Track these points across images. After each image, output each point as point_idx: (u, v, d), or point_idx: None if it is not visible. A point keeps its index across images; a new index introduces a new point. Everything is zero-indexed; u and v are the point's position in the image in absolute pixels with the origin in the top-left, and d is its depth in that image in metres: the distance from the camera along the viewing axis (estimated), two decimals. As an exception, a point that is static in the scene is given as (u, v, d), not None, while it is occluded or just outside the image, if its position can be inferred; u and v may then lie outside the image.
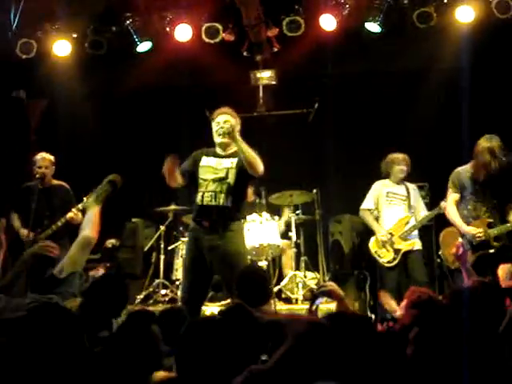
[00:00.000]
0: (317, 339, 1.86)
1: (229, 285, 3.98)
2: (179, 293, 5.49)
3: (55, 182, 5.30)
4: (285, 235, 6.31)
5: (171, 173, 4.14)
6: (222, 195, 4.08)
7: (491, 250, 4.51)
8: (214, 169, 4.18)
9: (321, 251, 6.30)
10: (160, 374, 2.07)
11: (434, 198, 5.75)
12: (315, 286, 5.91)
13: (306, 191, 6.39)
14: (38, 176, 5.11)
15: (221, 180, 4.12)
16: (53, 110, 7.27)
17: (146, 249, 6.60)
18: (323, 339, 1.86)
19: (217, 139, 4.25)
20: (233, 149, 4.23)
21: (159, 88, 7.29)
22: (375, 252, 5.47)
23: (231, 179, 4.12)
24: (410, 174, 5.70)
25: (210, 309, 5.50)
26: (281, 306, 5.74)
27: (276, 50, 6.47)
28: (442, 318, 2.09)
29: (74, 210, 4.95)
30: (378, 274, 5.57)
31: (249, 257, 5.16)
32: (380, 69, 7.00)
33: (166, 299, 6.11)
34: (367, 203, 5.64)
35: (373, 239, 5.51)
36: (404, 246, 5.39)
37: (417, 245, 5.46)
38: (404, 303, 2.78)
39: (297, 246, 6.34)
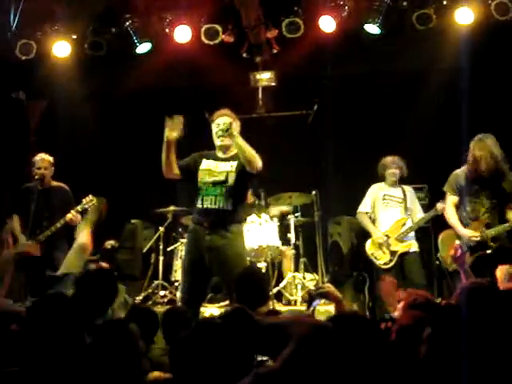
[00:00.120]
0: (321, 341, 1.87)
1: (228, 286, 3.98)
2: (178, 294, 5.49)
3: (54, 183, 5.29)
4: (284, 237, 6.30)
5: (171, 145, 4.03)
6: (222, 198, 4.07)
7: (488, 251, 4.52)
8: (213, 172, 4.16)
9: (320, 253, 6.29)
10: (155, 374, 2.07)
11: (433, 200, 5.74)
12: (314, 288, 5.91)
13: (305, 193, 6.40)
14: (37, 177, 5.11)
15: (221, 183, 4.11)
16: (52, 111, 7.27)
17: (145, 250, 6.59)
18: (328, 341, 1.87)
19: (217, 142, 4.24)
20: (233, 151, 4.22)
21: (159, 89, 7.29)
22: (372, 254, 5.48)
23: (231, 182, 4.10)
24: (409, 175, 5.71)
25: (209, 310, 5.50)
26: (280, 308, 5.73)
27: (275, 51, 6.48)
28: (454, 317, 2.09)
29: (72, 211, 4.96)
30: (375, 275, 5.59)
31: (248, 258, 5.16)
32: (379, 70, 7.00)
33: (165, 300, 6.10)
34: (364, 206, 5.69)
35: (369, 241, 5.54)
36: (400, 248, 5.41)
37: (413, 247, 5.47)
38: (401, 305, 2.79)
39: (296, 247, 6.34)
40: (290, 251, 6.28)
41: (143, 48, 6.35)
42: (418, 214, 5.59)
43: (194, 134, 5.88)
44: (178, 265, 6.27)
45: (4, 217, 5.28)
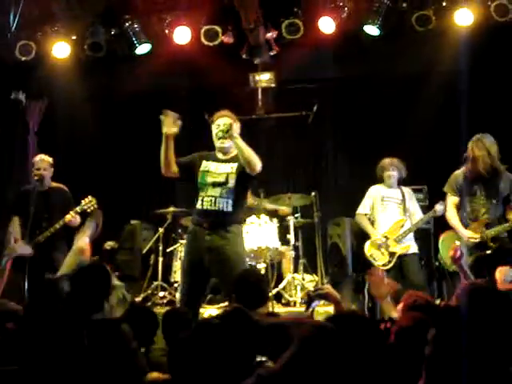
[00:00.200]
0: (323, 342, 1.87)
1: (227, 287, 3.98)
2: (177, 295, 5.48)
3: (54, 184, 5.28)
4: (283, 238, 6.29)
5: (169, 142, 4.04)
6: (222, 200, 4.07)
7: (488, 251, 4.52)
8: (213, 173, 4.15)
9: (319, 254, 6.29)
10: (153, 375, 2.08)
11: (432, 201, 5.75)
12: (313, 289, 5.90)
13: (304, 194, 6.39)
14: (36, 178, 5.09)
15: (221, 185, 4.10)
16: (52, 111, 7.27)
17: (144, 251, 6.58)
18: (329, 342, 1.87)
19: (217, 143, 4.23)
20: (233, 153, 4.21)
21: (158, 90, 7.29)
22: (370, 255, 5.48)
23: (231, 184, 4.09)
24: (408, 176, 5.71)
25: (209, 311, 5.49)
26: (279, 309, 5.73)
27: (275, 52, 6.48)
28: (454, 319, 2.09)
29: (72, 212, 4.95)
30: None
31: (247, 259, 5.16)
32: (379, 71, 7.00)
33: (165, 301, 6.10)
34: (363, 208, 5.69)
35: (368, 242, 5.53)
36: (399, 249, 5.41)
37: (412, 248, 5.47)
38: (401, 306, 2.79)
39: (295, 248, 6.33)
40: (289, 252, 6.28)
41: (143, 49, 6.36)
42: (417, 216, 5.58)
43: (193, 135, 5.91)
44: (177, 266, 6.27)
45: (4, 217, 5.28)
